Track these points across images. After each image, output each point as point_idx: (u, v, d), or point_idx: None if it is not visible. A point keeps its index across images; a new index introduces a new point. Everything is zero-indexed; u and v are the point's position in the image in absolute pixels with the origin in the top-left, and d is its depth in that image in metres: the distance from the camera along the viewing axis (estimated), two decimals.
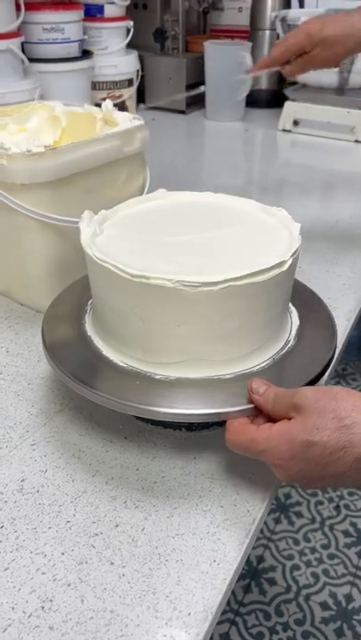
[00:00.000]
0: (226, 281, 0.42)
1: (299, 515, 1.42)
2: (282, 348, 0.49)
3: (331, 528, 1.38)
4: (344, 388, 0.40)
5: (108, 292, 0.47)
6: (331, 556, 1.32)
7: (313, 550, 1.33)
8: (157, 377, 0.45)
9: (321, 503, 1.45)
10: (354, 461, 0.37)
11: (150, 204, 0.56)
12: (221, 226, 0.53)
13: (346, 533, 1.37)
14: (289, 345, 0.50)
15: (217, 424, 0.49)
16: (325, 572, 1.29)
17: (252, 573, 1.28)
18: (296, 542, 1.35)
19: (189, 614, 0.36)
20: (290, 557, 1.32)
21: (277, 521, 1.40)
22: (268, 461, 0.40)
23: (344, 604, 1.22)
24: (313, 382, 0.46)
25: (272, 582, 1.27)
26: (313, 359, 0.48)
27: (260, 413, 0.43)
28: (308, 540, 1.36)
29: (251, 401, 0.43)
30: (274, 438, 0.39)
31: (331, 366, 0.48)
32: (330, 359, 0.48)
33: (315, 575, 1.28)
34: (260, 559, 1.32)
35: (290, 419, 0.39)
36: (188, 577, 0.39)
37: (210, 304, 0.43)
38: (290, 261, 0.46)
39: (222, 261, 0.47)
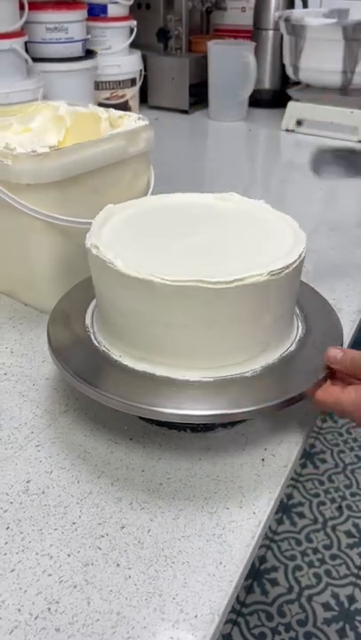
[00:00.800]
0: (269, 274, 0.43)
1: (301, 515, 1.42)
2: (298, 334, 0.52)
3: (333, 529, 1.38)
4: None
5: (132, 301, 0.45)
6: (333, 557, 1.32)
7: (315, 551, 1.33)
8: (192, 380, 0.45)
9: (323, 504, 1.45)
10: None
11: (136, 209, 0.55)
12: (218, 225, 0.53)
13: (348, 534, 1.37)
14: (300, 330, 0.52)
15: (222, 425, 0.50)
16: (328, 573, 1.28)
17: (254, 574, 1.28)
18: (298, 543, 1.35)
19: (196, 616, 0.36)
20: (292, 558, 1.32)
21: (280, 521, 1.40)
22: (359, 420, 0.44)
23: (346, 604, 1.22)
24: None
25: (274, 583, 1.27)
26: (331, 337, 0.51)
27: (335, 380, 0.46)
28: (310, 541, 1.35)
29: (329, 369, 0.46)
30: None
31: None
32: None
33: (317, 576, 1.28)
34: (263, 560, 1.32)
35: None
36: (195, 579, 0.38)
37: (249, 301, 0.44)
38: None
39: (243, 259, 0.47)
